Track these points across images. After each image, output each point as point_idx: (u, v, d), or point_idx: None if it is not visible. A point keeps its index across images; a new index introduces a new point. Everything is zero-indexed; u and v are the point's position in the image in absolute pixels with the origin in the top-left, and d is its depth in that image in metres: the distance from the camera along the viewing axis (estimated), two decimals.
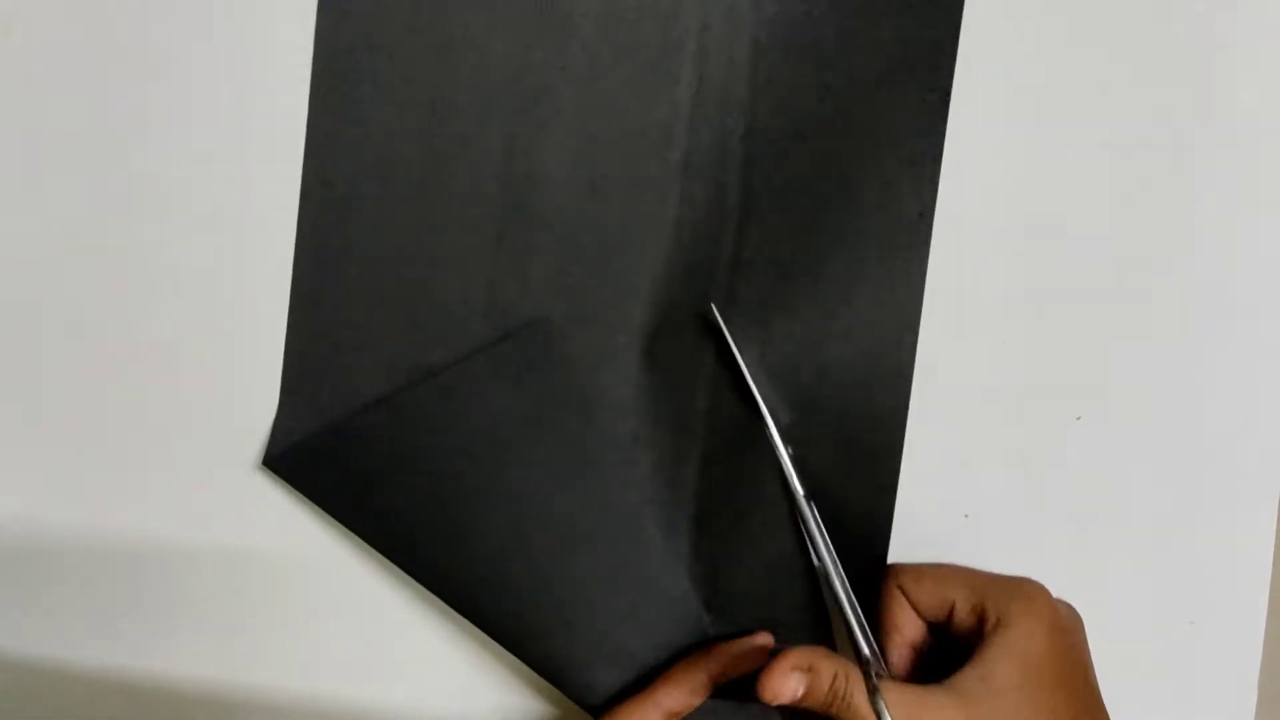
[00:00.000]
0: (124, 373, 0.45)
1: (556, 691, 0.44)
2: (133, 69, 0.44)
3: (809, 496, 0.43)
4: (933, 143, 0.44)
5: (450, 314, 0.44)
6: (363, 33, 0.43)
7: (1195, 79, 0.45)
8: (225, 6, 0.44)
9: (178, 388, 0.45)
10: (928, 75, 0.44)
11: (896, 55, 0.43)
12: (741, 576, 0.44)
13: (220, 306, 0.45)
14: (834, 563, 0.43)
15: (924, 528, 0.45)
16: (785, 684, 0.38)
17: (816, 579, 0.44)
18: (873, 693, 0.38)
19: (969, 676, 0.38)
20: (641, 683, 0.42)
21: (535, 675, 0.44)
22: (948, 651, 0.40)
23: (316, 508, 0.44)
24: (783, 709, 0.40)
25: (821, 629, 0.44)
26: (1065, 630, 0.39)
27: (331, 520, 0.44)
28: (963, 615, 0.40)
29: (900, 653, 0.41)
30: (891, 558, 0.45)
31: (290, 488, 0.44)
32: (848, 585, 0.42)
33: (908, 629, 0.41)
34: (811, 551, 0.43)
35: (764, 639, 0.43)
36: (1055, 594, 0.40)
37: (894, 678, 0.40)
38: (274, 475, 0.44)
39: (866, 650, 0.41)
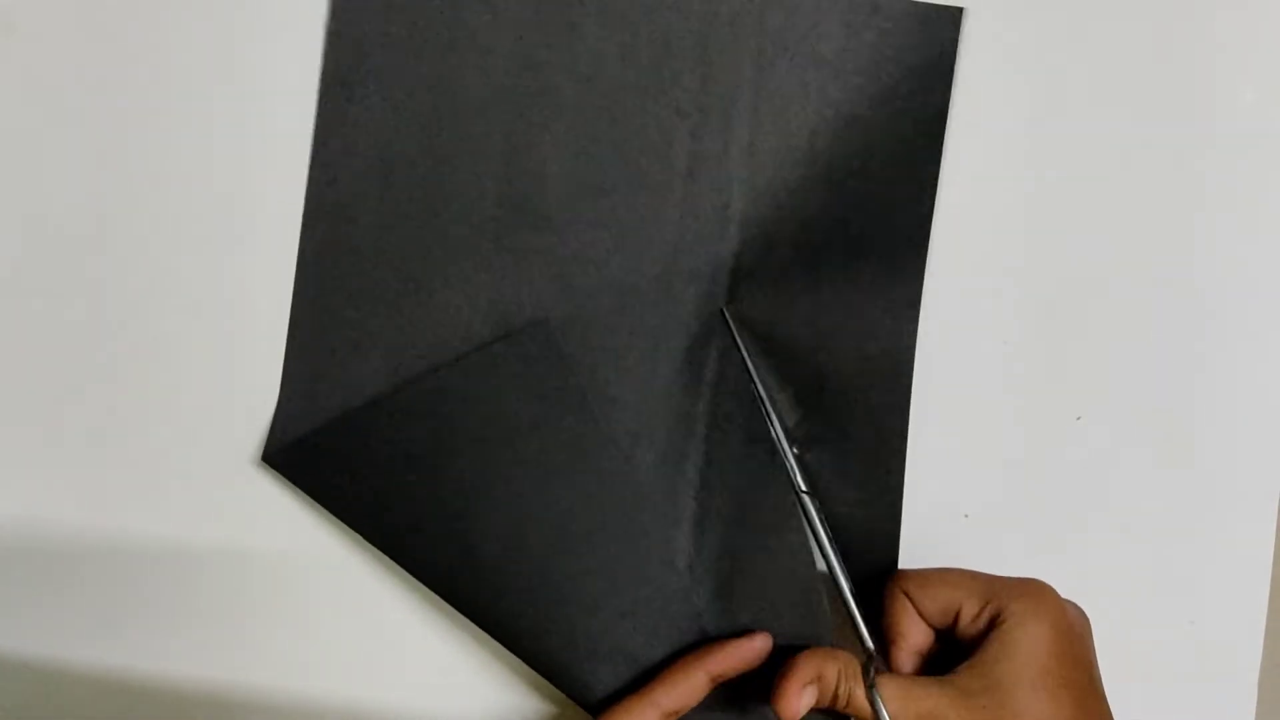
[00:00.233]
0: (124, 371, 0.45)
1: (555, 690, 0.44)
2: (136, 68, 0.44)
3: (811, 494, 0.43)
4: (933, 143, 0.44)
5: (450, 314, 0.44)
6: (370, 33, 0.43)
7: (1195, 79, 0.45)
8: (231, 5, 0.44)
9: (178, 386, 0.45)
10: (929, 78, 0.44)
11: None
12: (741, 576, 0.44)
13: (220, 305, 0.45)
14: (837, 558, 0.43)
15: (924, 528, 0.45)
16: (801, 701, 0.39)
17: (816, 578, 0.44)
18: (870, 687, 0.38)
19: (968, 672, 0.38)
20: (640, 681, 0.42)
21: (534, 674, 0.44)
22: (955, 657, 0.40)
23: (317, 507, 0.44)
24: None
25: (821, 628, 0.44)
26: (1069, 630, 0.39)
27: (332, 520, 0.44)
28: (969, 620, 0.40)
29: (906, 659, 0.41)
30: None
31: (290, 487, 0.44)
32: (850, 581, 0.42)
33: (913, 635, 0.41)
34: (815, 548, 0.43)
35: (763, 639, 0.43)
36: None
37: None
38: (273, 472, 0.44)
39: (870, 645, 0.41)
